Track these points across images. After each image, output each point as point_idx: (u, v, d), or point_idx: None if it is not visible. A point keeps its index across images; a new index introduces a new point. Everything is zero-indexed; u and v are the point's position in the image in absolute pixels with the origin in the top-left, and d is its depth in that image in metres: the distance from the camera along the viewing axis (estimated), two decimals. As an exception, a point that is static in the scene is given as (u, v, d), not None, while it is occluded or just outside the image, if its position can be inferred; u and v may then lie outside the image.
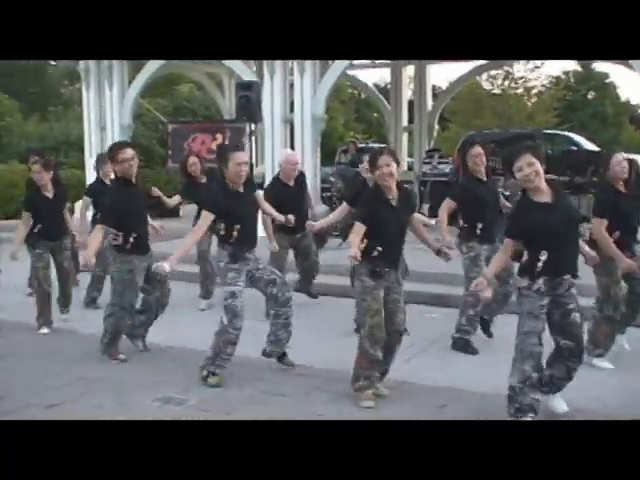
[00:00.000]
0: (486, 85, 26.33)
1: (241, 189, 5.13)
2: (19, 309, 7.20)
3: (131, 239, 5.51)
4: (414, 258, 6.51)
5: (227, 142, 12.29)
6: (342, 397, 4.73)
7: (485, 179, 5.99)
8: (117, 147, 5.68)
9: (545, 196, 4.15)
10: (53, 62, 37.73)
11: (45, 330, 6.52)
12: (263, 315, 6.83)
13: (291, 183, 7.07)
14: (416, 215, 4.97)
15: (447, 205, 6.04)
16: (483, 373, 5.20)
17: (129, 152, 5.48)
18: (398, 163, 4.70)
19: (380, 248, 4.59)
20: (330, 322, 6.79)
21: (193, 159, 7.61)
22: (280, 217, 5.94)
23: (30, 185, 7.08)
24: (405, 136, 16.90)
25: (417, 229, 4.91)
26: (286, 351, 5.40)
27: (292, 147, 11.74)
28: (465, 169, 6.17)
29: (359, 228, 4.56)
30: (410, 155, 17.24)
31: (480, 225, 5.85)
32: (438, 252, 4.83)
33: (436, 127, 17.40)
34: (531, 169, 4.08)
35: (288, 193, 6.95)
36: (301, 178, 7.30)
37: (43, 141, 18.22)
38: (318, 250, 7.52)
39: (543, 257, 4.09)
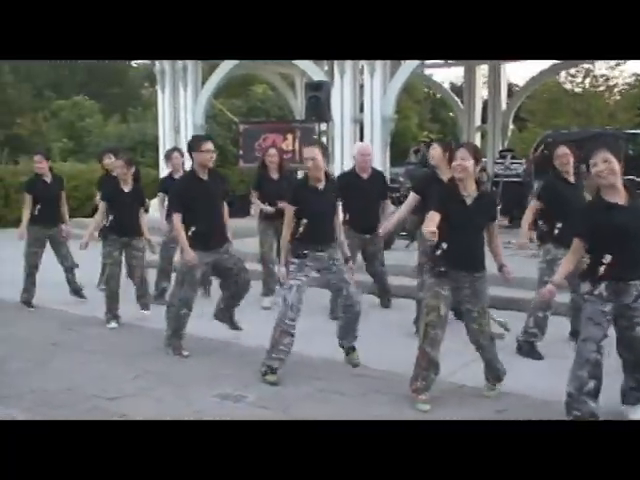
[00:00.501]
0: (565, 83, 25.63)
1: (321, 186, 5.20)
2: (91, 303, 7.44)
3: (189, 232, 5.58)
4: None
5: (297, 142, 12.38)
6: (400, 399, 4.69)
7: (572, 180, 5.76)
8: (199, 139, 5.92)
9: (619, 197, 4.02)
10: (134, 64, 38.95)
11: (113, 324, 6.70)
12: (327, 314, 6.87)
13: (364, 176, 7.01)
14: (495, 224, 4.71)
15: (533, 207, 5.88)
16: (547, 379, 5.05)
17: (210, 145, 5.68)
18: (477, 161, 4.49)
19: (445, 246, 4.46)
20: (394, 323, 6.74)
21: (272, 151, 7.75)
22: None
23: (107, 180, 7.39)
24: (478, 136, 16.62)
25: (492, 239, 4.70)
26: (355, 346, 5.43)
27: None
28: (551, 169, 5.98)
29: (433, 215, 4.38)
30: (483, 155, 16.96)
31: (558, 226, 5.63)
32: (500, 269, 4.69)
33: (511, 127, 17.06)
34: (605, 166, 3.96)
35: (358, 185, 6.90)
36: (378, 176, 7.24)
37: (121, 141, 18.74)
38: (382, 252, 7.43)
39: (606, 260, 3.95)
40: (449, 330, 4.67)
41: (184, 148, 6.64)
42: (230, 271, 5.77)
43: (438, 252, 4.51)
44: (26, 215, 7.38)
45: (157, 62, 13.92)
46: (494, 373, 4.78)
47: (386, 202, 7.18)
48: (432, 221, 4.36)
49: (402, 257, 8.39)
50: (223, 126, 18.72)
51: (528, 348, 5.72)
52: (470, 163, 4.43)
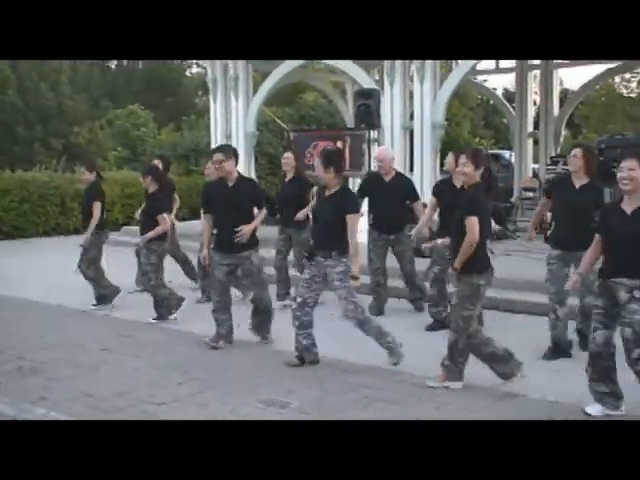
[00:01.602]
0: (620, 88, 25.09)
1: (327, 194, 5.55)
2: (140, 309, 7.57)
3: (213, 234, 6.15)
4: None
5: (347, 149, 12.41)
6: (445, 406, 4.65)
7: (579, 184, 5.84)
8: (213, 150, 6.45)
9: (632, 205, 4.30)
10: (188, 73, 39.64)
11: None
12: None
13: (387, 178, 7.33)
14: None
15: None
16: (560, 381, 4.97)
17: (218, 155, 6.04)
18: (476, 166, 4.79)
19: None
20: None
21: (287, 154, 8.09)
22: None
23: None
24: (530, 142, 16.37)
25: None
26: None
27: (411, 154, 11.72)
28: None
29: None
30: (536, 161, 16.69)
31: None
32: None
33: (564, 133, 16.76)
34: (628, 173, 4.20)
35: (380, 187, 7.31)
36: (402, 179, 7.51)
37: (174, 149, 19.06)
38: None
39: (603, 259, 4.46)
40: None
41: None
42: (243, 279, 6.27)
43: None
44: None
45: (209, 71, 14.12)
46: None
47: (416, 204, 7.35)
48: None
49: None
50: (274, 134, 18.88)
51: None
52: (469, 169, 4.75)
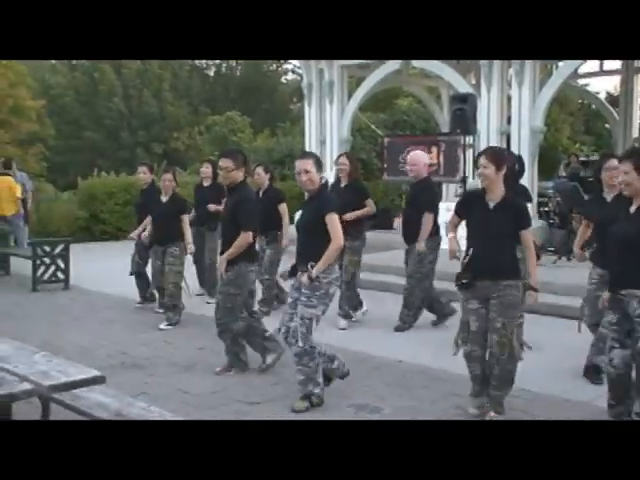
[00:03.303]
0: None
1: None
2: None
3: None
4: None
5: (442, 155, 12.30)
6: (533, 416, 4.54)
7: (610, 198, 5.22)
8: (221, 154, 6.05)
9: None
10: (284, 80, 40.24)
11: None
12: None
13: (415, 183, 7.11)
14: (525, 232, 4.57)
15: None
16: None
17: (223, 161, 5.61)
18: (498, 167, 4.48)
19: (470, 253, 4.62)
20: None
21: (342, 159, 7.34)
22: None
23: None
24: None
25: (524, 248, 4.70)
26: None
27: (508, 160, 11.48)
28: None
29: (453, 219, 4.99)
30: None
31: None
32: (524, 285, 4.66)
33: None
34: (623, 177, 4.10)
35: (408, 194, 7.42)
36: (422, 186, 7.02)
37: (269, 155, 19.38)
38: None
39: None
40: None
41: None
42: None
43: (465, 260, 4.57)
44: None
45: (305, 77, 14.29)
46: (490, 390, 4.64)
47: (425, 214, 6.85)
48: (451, 224, 4.88)
49: (549, 273, 8.07)
50: (368, 139, 18.90)
51: None
52: (490, 170, 4.49)
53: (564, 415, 4.55)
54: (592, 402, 4.86)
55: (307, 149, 14.32)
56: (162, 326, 7.23)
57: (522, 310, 4.96)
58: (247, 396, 5.09)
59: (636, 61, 15.12)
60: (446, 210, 10.73)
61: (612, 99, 22.78)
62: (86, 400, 3.47)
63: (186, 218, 7.48)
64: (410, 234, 6.98)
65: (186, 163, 25.46)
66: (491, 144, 11.39)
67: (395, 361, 5.98)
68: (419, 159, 7.03)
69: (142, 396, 4.90)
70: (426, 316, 7.18)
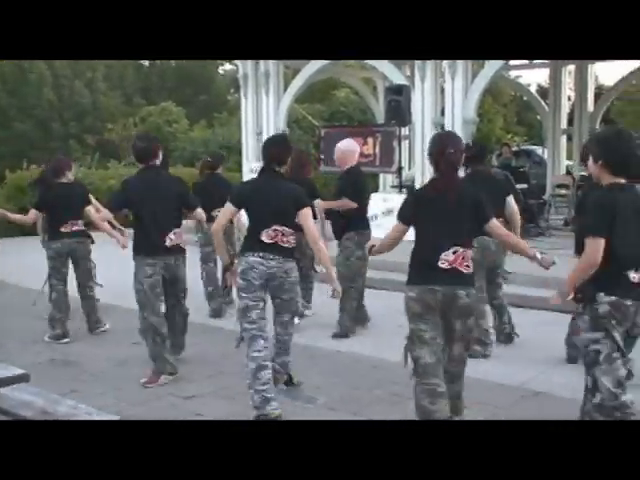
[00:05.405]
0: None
1: None
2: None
3: None
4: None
5: (378, 146, 12.38)
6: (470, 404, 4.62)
7: None
8: None
9: None
10: (221, 71, 39.84)
11: None
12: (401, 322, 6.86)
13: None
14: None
15: None
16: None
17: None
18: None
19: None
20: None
21: None
22: None
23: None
24: (564, 139, 16.17)
25: (500, 238, 4.23)
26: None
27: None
28: None
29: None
30: (569, 158, 16.50)
31: None
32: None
33: (598, 129, 16.51)
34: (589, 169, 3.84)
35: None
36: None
37: (206, 146, 19.19)
38: None
39: None
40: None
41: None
42: None
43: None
44: None
45: (240, 68, 14.18)
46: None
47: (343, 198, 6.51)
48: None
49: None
50: (305, 130, 18.92)
51: None
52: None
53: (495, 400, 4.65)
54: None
55: (244, 140, 14.25)
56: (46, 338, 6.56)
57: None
58: (181, 390, 5.03)
59: (564, 54, 15.52)
60: (382, 200, 10.90)
61: (542, 91, 23.34)
62: (9, 399, 3.37)
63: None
64: (337, 229, 6.58)
65: (121, 155, 24.97)
66: (426, 135, 11.55)
67: (334, 351, 6.00)
68: (343, 148, 6.53)
69: (73, 394, 4.79)
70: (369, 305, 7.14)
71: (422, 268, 3.86)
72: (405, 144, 14.67)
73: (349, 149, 6.53)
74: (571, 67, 16.02)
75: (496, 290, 6.06)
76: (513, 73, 20.23)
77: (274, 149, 4.69)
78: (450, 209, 3.86)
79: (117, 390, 5.06)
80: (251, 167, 13.53)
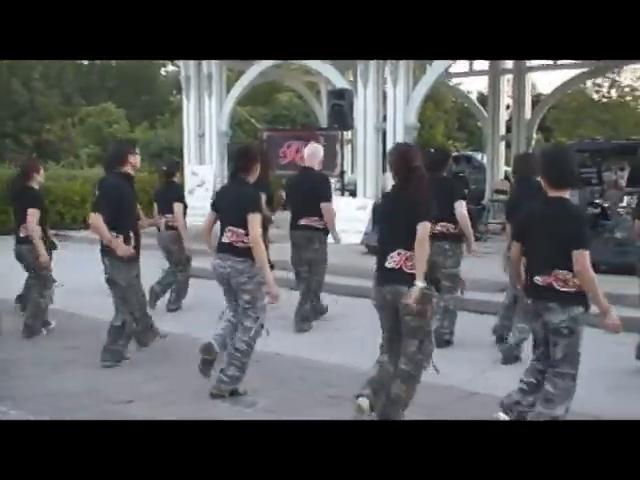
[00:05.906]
0: (592, 93, 25.45)
1: None
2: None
3: None
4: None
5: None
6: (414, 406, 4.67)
7: None
8: None
9: None
10: (163, 72, 39.39)
11: None
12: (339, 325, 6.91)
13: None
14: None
15: None
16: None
17: None
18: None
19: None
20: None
21: None
22: None
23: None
24: (502, 145, 16.53)
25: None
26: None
27: (384, 155, 11.76)
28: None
29: None
30: (507, 164, 16.87)
31: None
32: None
33: (535, 137, 16.96)
34: None
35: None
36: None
37: (148, 147, 18.95)
38: None
39: None
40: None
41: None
42: None
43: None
44: None
45: (182, 69, 14.06)
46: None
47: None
48: None
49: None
50: (248, 133, 18.87)
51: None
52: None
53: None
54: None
55: (186, 142, 14.12)
56: None
57: None
58: (119, 394, 4.95)
59: (502, 63, 15.87)
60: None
61: (483, 98, 23.81)
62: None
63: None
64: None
65: (60, 155, 24.44)
66: (368, 140, 11.66)
67: (272, 354, 5.99)
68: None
69: (8, 400, 4.67)
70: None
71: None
72: (348, 148, 14.79)
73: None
74: (509, 76, 16.38)
75: (444, 293, 6.14)
76: (454, 80, 20.60)
77: (240, 160, 5.03)
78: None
79: (52, 396, 4.95)
80: (192, 170, 13.42)
